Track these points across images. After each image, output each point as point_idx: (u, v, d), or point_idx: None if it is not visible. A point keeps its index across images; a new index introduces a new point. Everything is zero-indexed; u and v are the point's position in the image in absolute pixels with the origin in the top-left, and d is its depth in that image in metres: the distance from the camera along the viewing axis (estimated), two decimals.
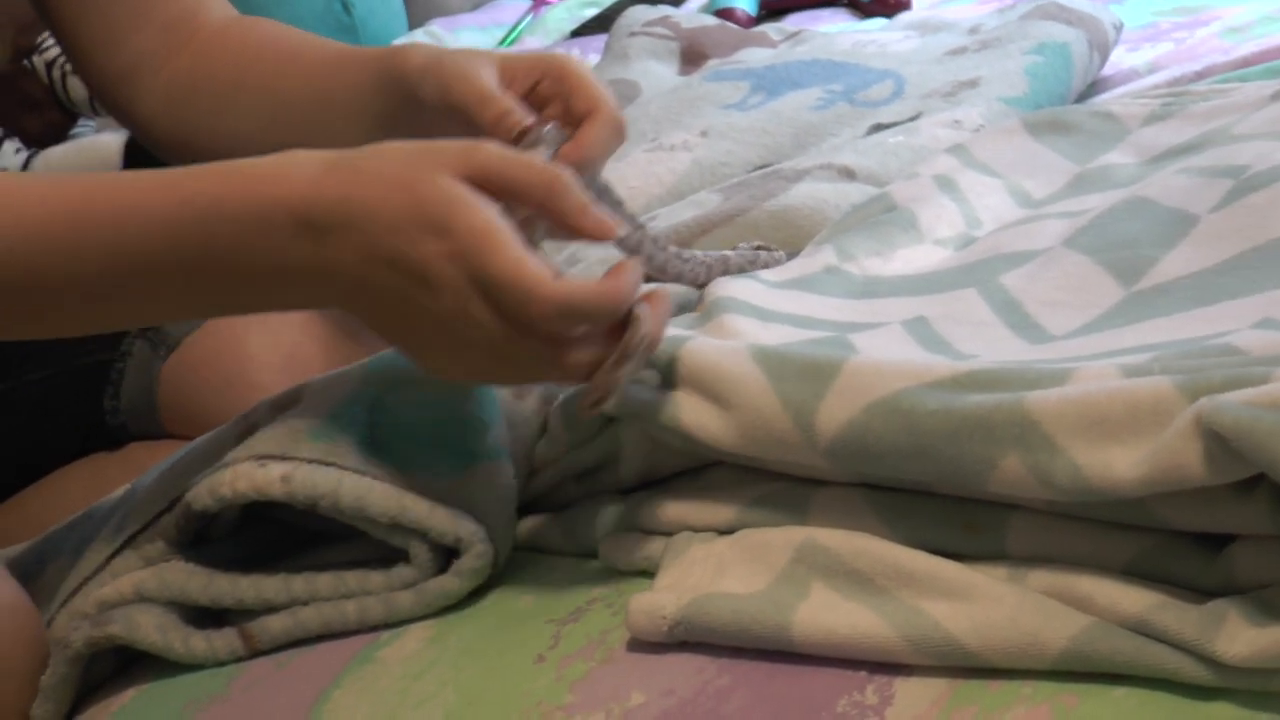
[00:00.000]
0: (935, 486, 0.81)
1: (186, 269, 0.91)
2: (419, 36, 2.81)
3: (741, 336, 0.99)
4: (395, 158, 0.89)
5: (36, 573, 1.11)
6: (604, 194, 1.05)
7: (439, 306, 0.86)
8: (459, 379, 0.93)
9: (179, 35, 1.26)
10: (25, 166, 2.25)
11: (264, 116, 1.24)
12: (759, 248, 1.21)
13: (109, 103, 1.27)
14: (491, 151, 0.89)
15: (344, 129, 1.18)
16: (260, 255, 0.90)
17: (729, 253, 1.14)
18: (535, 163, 0.90)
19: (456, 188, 0.87)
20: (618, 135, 1.05)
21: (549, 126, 1.01)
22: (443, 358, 0.90)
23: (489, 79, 1.07)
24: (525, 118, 1.04)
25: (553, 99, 1.07)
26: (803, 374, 0.85)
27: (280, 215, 0.89)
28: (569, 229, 0.91)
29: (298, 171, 0.90)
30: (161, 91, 1.27)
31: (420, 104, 1.11)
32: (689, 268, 1.09)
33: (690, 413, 0.89)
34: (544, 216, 0.91)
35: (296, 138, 1.19)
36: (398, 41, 2.77)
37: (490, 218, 0.86)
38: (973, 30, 1.85)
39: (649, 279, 1.02)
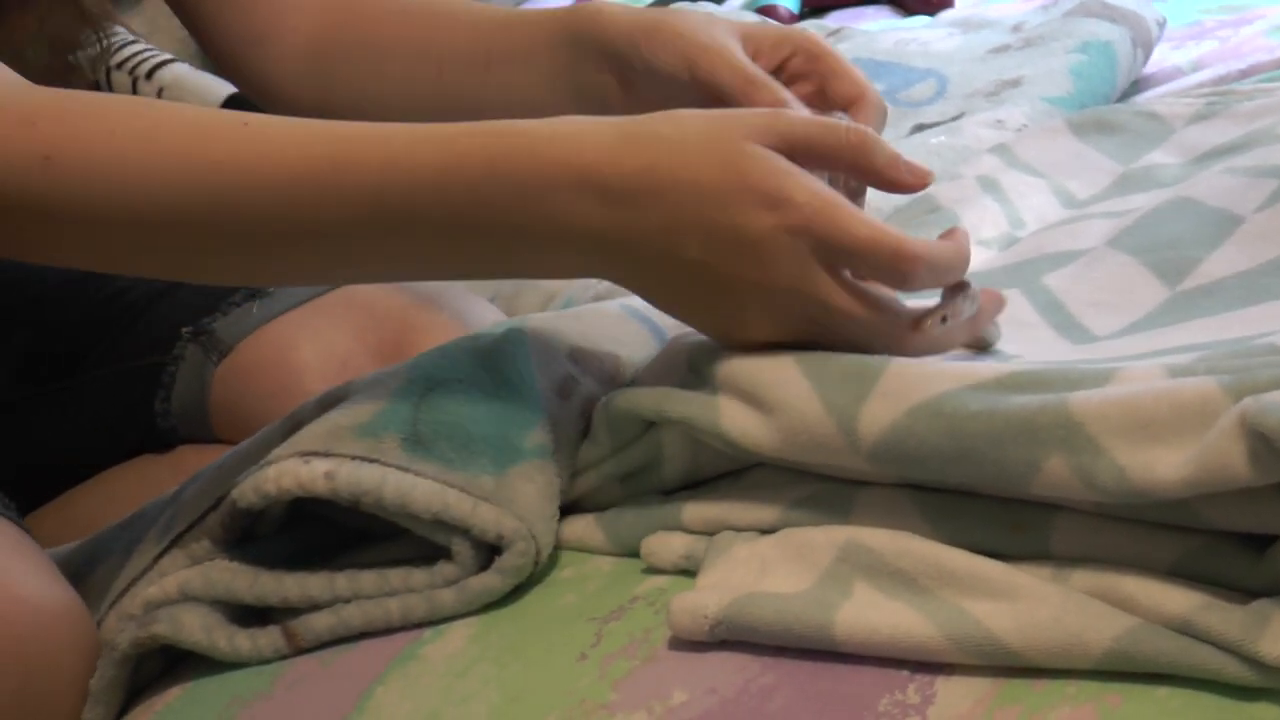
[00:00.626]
0: (979, 488, 0.81)
1: (454, 225, 0.90)
2: None
3: None
4: (700, 127, 0.87)
5: (86, 573, 1.12)
6: None
7: (771, 277, 0.86)
8: (768, 340, 0.90)
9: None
10: None
11: (422, 79, 1.22)
12: None
13: (235, 67, 1.25)
14: (795, 119, 0.88)
15: (510, 91, 1.17)
16: (541, 219, 0.89)
17: None
18: (839, 124, 0.89)
19: (778, 159, 0.86)
20: (884, 122, 1.05)
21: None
22: (760, 327, 0.89)
23: (742, 55, 1.05)
24: (801, 108, 1.01)
25: (804, 77, 1.06)
26: (845, 378, 0.85)
27: (570, 179, 0.87)
28: (884, 184, 0.90)
29: (590, 138, 0.88)
30: (303, 52, 1.26)
31: (628, 67, 1.09)
32: None
33: (732, 418, 0.89)
34: (854, 177, 0.91)
35: (455, 102, 1.18)
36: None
37: (824, 186, 0.85)
38: (1016, 28, 1.85)
39: None
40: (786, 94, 1.03)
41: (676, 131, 0.88)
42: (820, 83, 1.06)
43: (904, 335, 0.90)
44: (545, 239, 0.89)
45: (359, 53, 1.25)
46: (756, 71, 1.04)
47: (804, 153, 0.87)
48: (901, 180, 0.89)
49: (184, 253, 0.95)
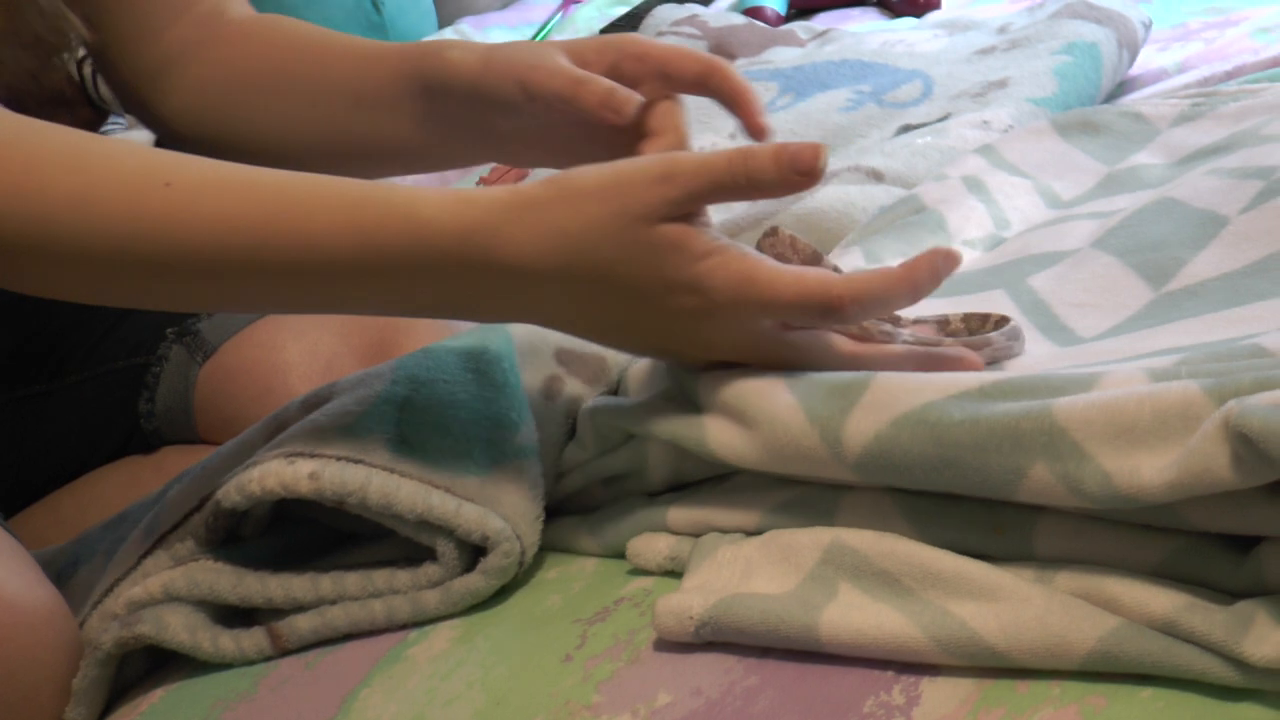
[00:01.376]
0: (965, 494, 0.81)
1: (378, 295, 0.94)
2: (448, 35, 2.81)
3: None
4: (599, 214, 0.89)
5: (69, 574, 1.12)
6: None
7: (712, 329, 0.90)
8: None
9: (210, 30, 1.27)
10: None
11: (303, 114, 1.23)
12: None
13: (134, 99, 1.27)
14: (684, 162, 0.89)
15: (379, 126, 1.18)
16: (459, 296, 0.92)
17: None
18: (718, 157, 0.90)
19: (687, 240, 0.88)
20: (741, 77, 1.06)
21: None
22: (719, 354, 0.92)
23: (567, 63, 1.07)
24: (627, 93, 1.03)
25: (642, 79, 1.07)
26: (830, 390, 0.85)
27: (488, 280, 0.90)
28: (781, 193, 0.91)
29: (505, 234, 0.90)
30: (194, 87, 1.27)
31: (474, 100, 1.11)
32: None
33: (718, 436, 0.89)
34: (753, 198, 0.93)
35: (333, 134, 1.20)
36: (426, 39, 2.77)
37: (730, 258, 0.88)
38: (1002, 30, 1.85)
39: None
40: (611, 84, 1.04)
41: (577, 222, 0.89)
42: (659, 76, 1.07)
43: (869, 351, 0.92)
44: (466, 310, 0.94)
45: (247, 88, 1.27)
46: (582, 73, 1.06)
47: (705, 194, 0.89)
48: (795, 184, 0.90)
49: (119, 296, 0.97)
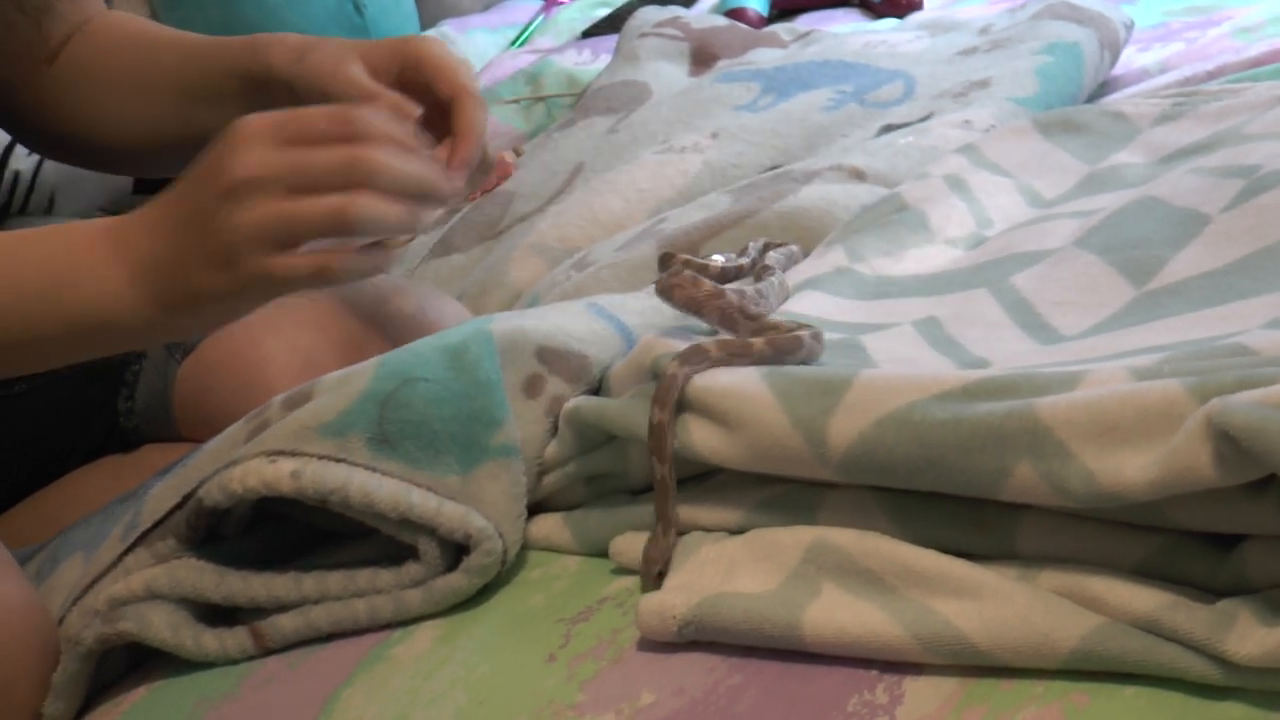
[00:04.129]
0: (948, 494, 0.81)
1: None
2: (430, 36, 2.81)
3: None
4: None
5: (48, 571, 1.11)
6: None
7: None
8: None
9: (64, 27, 1.32)
10: (37, 170, 2.25)
11: (135, 111, 1.30)
12: (767, 245, 1.22)
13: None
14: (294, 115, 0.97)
15: (206, 119, 1.21)
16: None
17: (773, 267, 1.13)
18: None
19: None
20: (486, 115, 1.12)
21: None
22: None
23: (361, 73, 1.13)
24: (414, 108, 1.09)
25: (416, 88, 1.13)
26: (812, 391, 0.85)
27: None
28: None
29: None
30: (49, 77, 1.32)
31: (291, 98, 1.15)
32: (774, 297, 1.08)
33: (702, 438, 0.89)
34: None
35: (166, 125, 1.28)
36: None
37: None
38: (983, 30, 1.85)
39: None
40: (394, 101, 1.10)
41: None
42: (429, 87, 1.13)
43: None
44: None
45: (85, 84, 1.32)
46: (372, 86, 1.13)
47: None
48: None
49: None
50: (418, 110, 1.09)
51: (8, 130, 1.38)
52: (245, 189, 0.93)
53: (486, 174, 1.17)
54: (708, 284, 1.00)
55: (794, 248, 1.20)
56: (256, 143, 0.94)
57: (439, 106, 1.12)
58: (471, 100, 1.12)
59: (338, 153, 0.95)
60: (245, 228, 0.94)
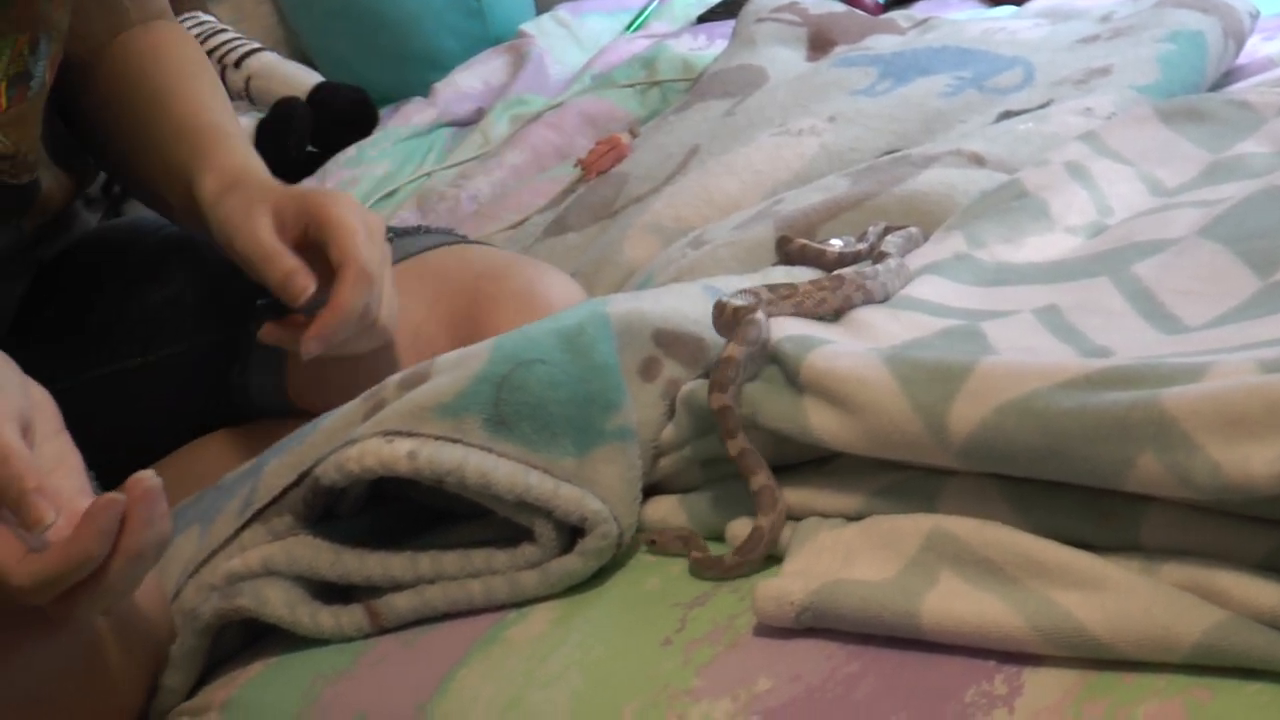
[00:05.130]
0: (1070, 483, 0.80)
1: None
2: (545, 22, 2.80)
3: (873, 329, 0.99)
4: None
5: None
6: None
7: None
8: None
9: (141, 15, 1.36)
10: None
11: (136, 149, 1.33)
12: (887, 229, 1.21)
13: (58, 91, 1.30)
14: None
15: (169, 187, 1.27)
16: None
17: (890, 252, 1.12)
18: None
19: None
20: (369, 289, 1.14)
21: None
22: None
23: (266, 231, 1.16)
24: (309, 282, 1.13)
25: (318, 247, 1.15)
26: (933, 377, 0.84)
27: None
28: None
29: None
30: (95, 91, 1.34)
31: (209, 227, 1.20)
32: (891, 279, 1.08)
33: (821, 421, 0.89)
34: None
35: (160, 176, 1.30)
36: (524, 27, 2.76)
37: None
38: (1104, 18, 1.83)
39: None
40: (292, 268, 1.14)
41: None
42: (328, 246, 1.15)
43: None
44: None
45: (104, 109, 1.35)
46: (273, 247, 1.15)
47: None
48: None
49: None
50: (312, 283, 1.13)
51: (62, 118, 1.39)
52: None
53: (376, 341, 1.19)
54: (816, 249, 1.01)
55: (914, 230, 1.19)
56: None
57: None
58: (353, 273, 1.13)
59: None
60: None
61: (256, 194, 1.18)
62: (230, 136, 1.27)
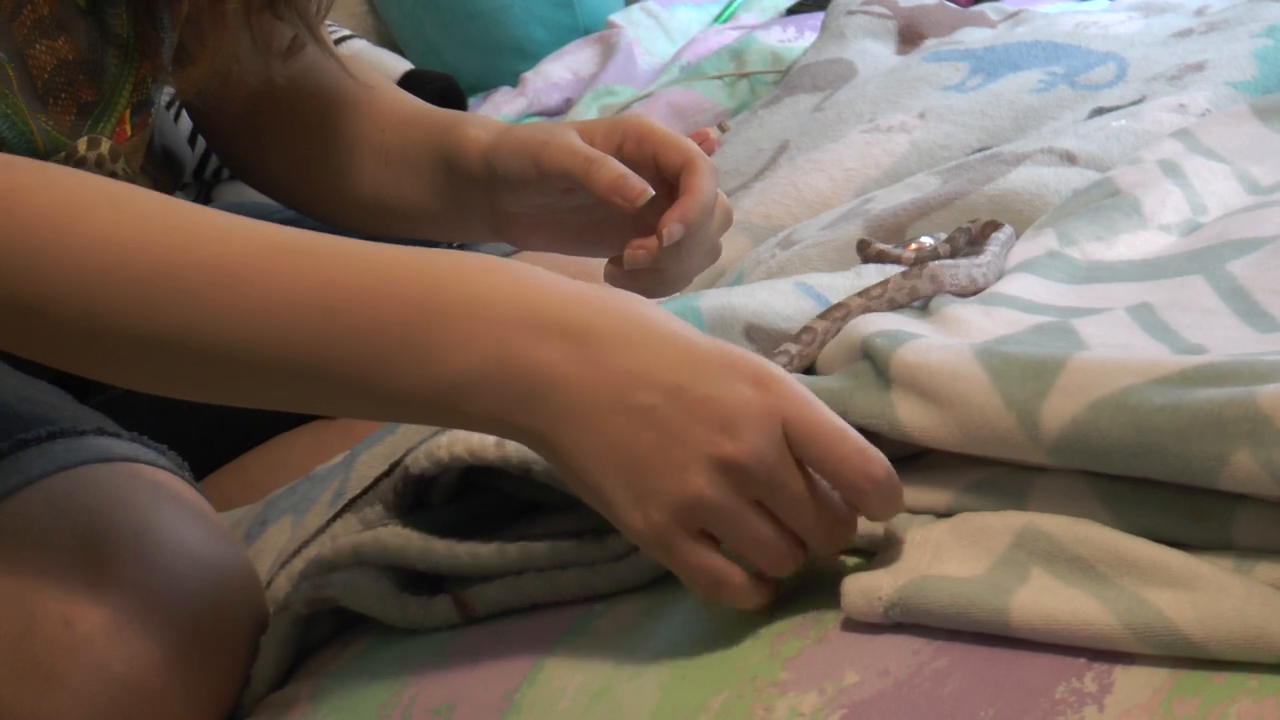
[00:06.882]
0: (1163, 481, 0.80)
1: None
2: (635, 13, 2.81)
3: (965, 325, 0.98)
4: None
5: (257, 534, 1.13)
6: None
7: (733, 444, 0.83)
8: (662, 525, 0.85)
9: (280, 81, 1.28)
10: None
11: (324, 165, 1.28)
12: (972, 223, 1.21)
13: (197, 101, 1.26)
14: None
15: (401, 186, 1.24)
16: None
17: (995, 247, 1.12)
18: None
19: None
20: (716, 181, 1.10)
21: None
22: (672, 495, 0.84)
23: (580, 142, 1.10)
24: (640, 182, 1.07)
25: (641, 163, 1.10)
26: (1025, 372, 0.84)
27: (534, 319, 0.85)
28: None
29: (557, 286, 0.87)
30: (241, 111, 1.30)
31: (485, 177, 1.16)
32: (982, 273, 1.07)
33: (908, 413, 0.88)
34: None
35: (354, 191, 1.26)
36: (614, 18, 2.77)
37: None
38: (1199, 12, 1.82)
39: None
40: (623, 170, 1.07)
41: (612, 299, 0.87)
42: (653, 162, 1.11)
43: (828, 539, 0.87)
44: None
45: (272, 133, 1.31)
46: (594, 152, 1.09)
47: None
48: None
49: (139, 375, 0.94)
50: (649, 192, 1.06)
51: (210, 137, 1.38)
52: (725, 466, 0.83)
53: (712, 258, 1.16)
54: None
55: (1010, 229, 1.19)
56: (764, 427, 0.83)
57: (663, 183, 1.11)
58: (705, 165, 1.09)
59: (822, 510, 0.86)
60: (693, 496, 0.83)
61: (549, 125, 1.15)
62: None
